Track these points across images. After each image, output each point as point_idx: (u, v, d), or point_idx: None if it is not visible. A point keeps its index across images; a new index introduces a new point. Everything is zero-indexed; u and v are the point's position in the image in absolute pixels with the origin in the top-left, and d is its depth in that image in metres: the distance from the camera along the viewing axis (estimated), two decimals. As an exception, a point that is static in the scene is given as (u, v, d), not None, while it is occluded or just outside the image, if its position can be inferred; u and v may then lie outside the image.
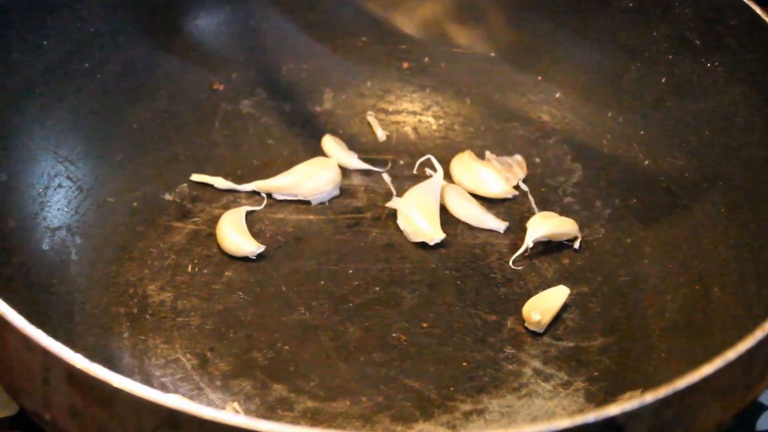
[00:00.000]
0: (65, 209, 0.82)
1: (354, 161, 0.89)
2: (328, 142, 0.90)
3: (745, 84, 0.81)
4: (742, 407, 0.66)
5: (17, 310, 0.63)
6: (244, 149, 0.90)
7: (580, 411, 0.74)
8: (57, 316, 0.77)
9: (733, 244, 0.79)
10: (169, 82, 0.89)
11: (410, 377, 0.76)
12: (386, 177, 0.88)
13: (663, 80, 0.86)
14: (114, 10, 0.87)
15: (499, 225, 0.85)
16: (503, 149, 0.90)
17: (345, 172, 0.89)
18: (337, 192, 0.88)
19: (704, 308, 0.77)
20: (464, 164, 0.88)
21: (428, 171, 0.87)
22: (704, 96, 0.84)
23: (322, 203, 0.87)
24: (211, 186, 0.87)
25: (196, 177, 0.87)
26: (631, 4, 0.87)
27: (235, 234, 0.83)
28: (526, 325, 0.78)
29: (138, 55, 0.88)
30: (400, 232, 0.85)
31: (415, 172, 0.89)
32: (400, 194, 0.87)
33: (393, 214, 0.86)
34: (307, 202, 0.87)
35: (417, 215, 0.85)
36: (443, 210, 0.87)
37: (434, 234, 0.84)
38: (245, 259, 0.83)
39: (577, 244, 0.84)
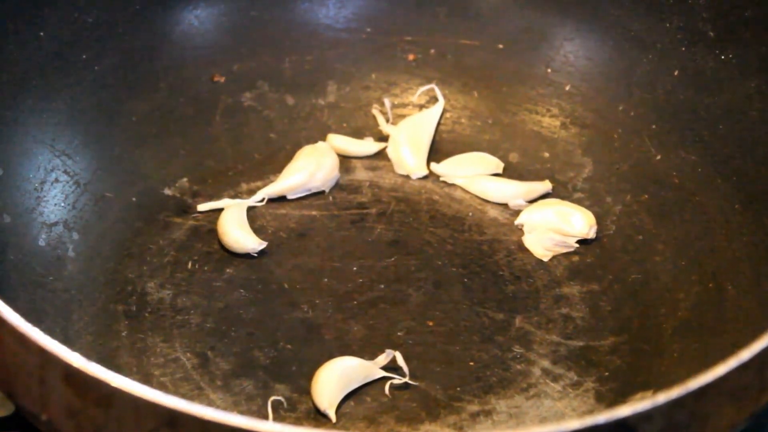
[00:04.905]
0: (62, 204, 0.82)
1: (369, 145, 0.90)
2: (335, 140, 0.90)
3: (760, 77, 0.81)
4: (757, 409, 0.66)
5: (13, 308, 0.62)
6: (245, 143, 0.90)
7: (590, 412, 0.73)
8: (54, 313, 0.76)
9: (747, 241, 0.78)
10: (168, 74, 0.89)
11: (416, 377, 0.75)
12: (387, 103, 0.90)
13: (676, 73, 0.86)
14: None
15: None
16: (511, 143, 0.90)
17: (349, 167, 0.89)
18: (339, 175, 0.88)
19: (718, 307, 0.77)
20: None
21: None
22: (718, 89, 0.83)
23: (325, 198, 0.86)
24: (211, 181, 0.87)
25: (201, 207, 0.85)
26: (643, -6, 0.88)
27: (236, 230, 0.83)
28: None
29: (137, 47, 0.88)
30: (406, 227, 0.85)
31: (414, 100, 0.90)
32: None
33: (398, 209, 0.86)
34: (313, 195, 0.87)
35: (405, 145, 0.86)
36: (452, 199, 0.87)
37: (417, 169, 0.86)
38: (247, 256, 0.83)
39: (590, 232, 0.83)
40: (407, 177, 0.89)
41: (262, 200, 0.86)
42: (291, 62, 0.92)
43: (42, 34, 0.83)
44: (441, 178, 0.88)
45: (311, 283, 0.81)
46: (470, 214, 0.86)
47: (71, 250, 0.80)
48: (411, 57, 0.93)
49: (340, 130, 0.91)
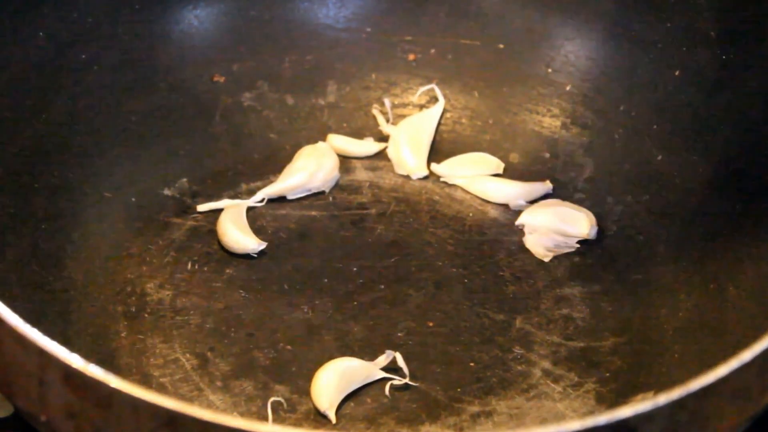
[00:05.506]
0: (62, 204, 0.81)
1: (369, 145, 0.90)
2: (335, 140, 0.90)
3: (761, 76, 0.81)
4: (759, 410, 0.66)
5: (12, 309, 0.62)
6: (245, 143, 0.89)
7: (591, 413, 0.73)
8: (53, 314, 0.76)
9: (749, 241, 0.78)
10: (168, 74, 0.89)
11: (416, 378, 0.75)
12: (387, 103, 0.90)
13: (677, 73, 0.86)
14: (112, -1, 0.87)
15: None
16: (512, 143, 0.90)
17: (349, 167, 0.89)
18: (339, 175, 0.88)
19: (719, 308, 0.77)
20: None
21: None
22: (719, 89, 0.83)
23: (325, 198, 0.86)
24: (211, 181, 0.87)
25: (201, 208, 0.85)
26: (644, -6, 0.87)
27: (236, 230, 0.83)
28: None
29: (137, 47, 0.88)
30: (406, 228, 0.85)
31: (415, 100, 0.90)
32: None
33: (399, 210, 0.86)
34: (313, 196, 0.86)
35: (405, 146, 0.87)
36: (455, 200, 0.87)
37: (418, 169, 0.86)
38: (246, 257, 0.82)
39: (591, 233, 0.83)
40: (407, 177, 0.88)
41: (262, 200, 0.86)
42: (291, 62, 0.91)
43: (42, 34, 0.83)
44: (441, 179, 0.88)
45: (311, 284, 0.80)
46: (471, 214, 0.86)
47: (70, 251, 0.80)
48: (411, 57, 0.92)
49: (340, 130, 0.91)
